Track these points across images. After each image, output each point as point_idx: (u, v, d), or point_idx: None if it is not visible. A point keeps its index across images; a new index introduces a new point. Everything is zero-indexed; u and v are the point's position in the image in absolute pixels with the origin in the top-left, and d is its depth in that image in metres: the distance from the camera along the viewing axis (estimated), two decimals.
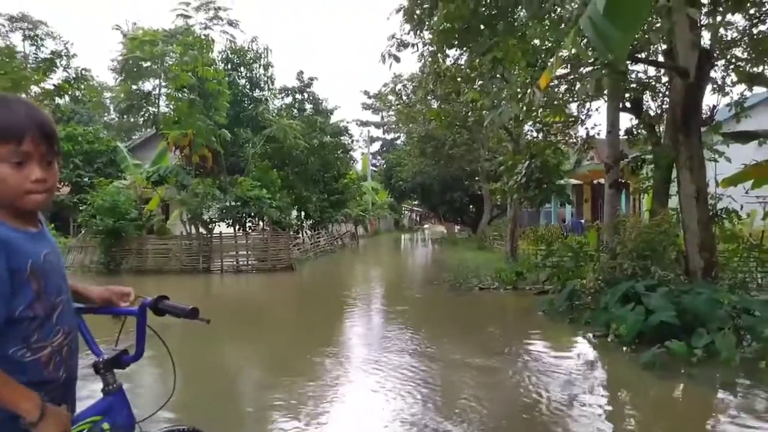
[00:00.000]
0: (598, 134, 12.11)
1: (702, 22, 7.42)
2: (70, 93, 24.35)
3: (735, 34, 8.97)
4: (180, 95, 16.58)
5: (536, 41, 8.43)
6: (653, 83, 9.93)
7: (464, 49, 9.55)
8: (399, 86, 25.88)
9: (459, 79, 12.29)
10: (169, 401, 2.05)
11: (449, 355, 6.17)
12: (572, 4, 6.46)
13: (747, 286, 7.69)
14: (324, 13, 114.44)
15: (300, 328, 8.46)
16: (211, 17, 18.48)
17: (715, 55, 8.03)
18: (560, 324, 7.71)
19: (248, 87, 21.53)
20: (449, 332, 7.59)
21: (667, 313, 5.86)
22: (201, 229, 16.97)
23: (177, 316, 1.69)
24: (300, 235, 22.03)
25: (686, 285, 6.73)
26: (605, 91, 8.97)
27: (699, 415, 4.49)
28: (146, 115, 21.01)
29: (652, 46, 9.04)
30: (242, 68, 21.45)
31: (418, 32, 9.32)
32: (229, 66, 20.78)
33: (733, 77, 9.27)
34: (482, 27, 7.97)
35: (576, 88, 9.83)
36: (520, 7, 7.91)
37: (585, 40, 4.21)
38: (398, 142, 48.51)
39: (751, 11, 8.16)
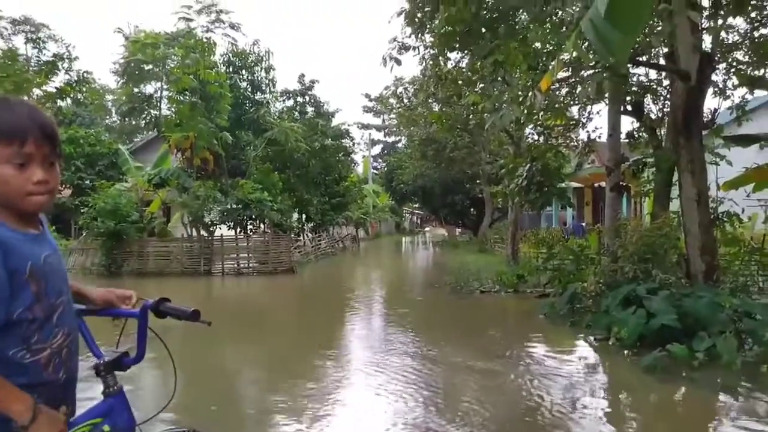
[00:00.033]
0: (599, 137, 12.12)
1: (703, 26, 7.42)
2: (72, 96, 24.41)
3: (736, 38, 8.98)
4: (181, 98, 16.61)
5: (537, 44, 8.46)
6: (654, 86, 9.93)
7: (465, 52, 9.56)
8: (400, 89, 26.02)
9: (460, 82, 12.28)
10: (169, 403, 2.04)
11: (451, 358, 6.16)
12: (573, 7, 6.47)
13: (748, 290, 7.68)
14: (325, 16, 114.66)
15: (301, 331, 8.46)
16: (213, 20, 18.60)
17: (716, 58, 8.03)
18: (561, 327, 7.71)
19: (250, 90, 21.56)
20: (450, 335, 7.58)
21: (669, 316, 5.85)
22: (202, 232, 16.97)
23: (178, 318, 1.69)
24: (301, 237, 22.05)
25: (687, 288, 6.71)
26: (606, 95, 8.97)
27: (700, 418, 4.48)
28: (148, 117, 21.09)
29: (653, 50, 9.03)
30: (244, 71, 21.47)
31: (420, 35, 9.35)
32: (231, 69, 20.80)
33: (735, 80, 9.27)
34: (483, 30, 7.99)
35: (577, 91, 9.85)
36: (521, 10, 7.93)
37: (586, 43, 4.20)
38: (399, 145, 48.67)
39: (753, 14, 8.18)
